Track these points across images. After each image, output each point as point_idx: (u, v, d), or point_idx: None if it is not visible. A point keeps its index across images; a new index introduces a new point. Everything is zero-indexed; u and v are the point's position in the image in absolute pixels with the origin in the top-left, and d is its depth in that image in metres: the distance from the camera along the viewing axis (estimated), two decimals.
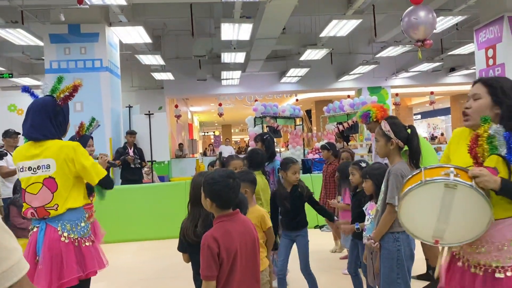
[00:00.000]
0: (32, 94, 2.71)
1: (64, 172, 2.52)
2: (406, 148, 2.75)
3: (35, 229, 2.55)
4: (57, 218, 2.52)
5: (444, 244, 1.90)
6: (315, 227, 6.92)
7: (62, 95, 2.62)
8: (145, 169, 9.66)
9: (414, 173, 1.90)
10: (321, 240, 5.90)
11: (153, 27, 12.12)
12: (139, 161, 7.61)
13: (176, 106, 16.10)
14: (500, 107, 1.89)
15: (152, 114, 8.58)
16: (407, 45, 11.17)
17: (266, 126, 11.58)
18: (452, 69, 14.84)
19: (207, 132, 38.14)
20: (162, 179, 12.17)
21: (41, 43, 8.43)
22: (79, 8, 7.02)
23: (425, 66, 13.56)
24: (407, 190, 1.84)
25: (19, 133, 6.28)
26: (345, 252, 5.37)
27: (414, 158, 2.67)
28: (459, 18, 8.65)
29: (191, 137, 22.88)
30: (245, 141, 33.66)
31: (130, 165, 7.49)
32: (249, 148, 5.40)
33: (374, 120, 4.14)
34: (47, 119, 2.56)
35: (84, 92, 7.90)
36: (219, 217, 2.05)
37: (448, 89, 17.86)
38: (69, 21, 7.70)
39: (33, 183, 2.52)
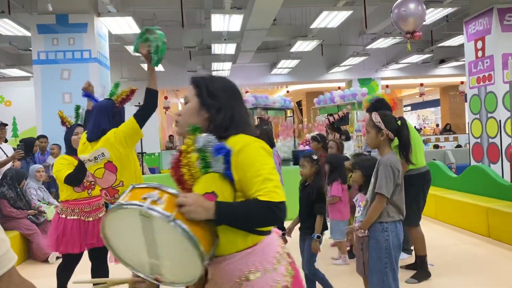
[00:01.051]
0: (93, 98, 3.20)
1: (116, 154, 2.84)
2: (396, 143, 2.78)
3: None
4: None
5: (167, 284, 1.43)
6: None
7: (119, 98, 2.98)
8: None
9: (125, 192, 1.41)
10: None
11: (143, 18, 11.98)
12: None
13: (166, 98, 16.01)
14: (207, 110, 1.53)
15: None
16: (397, 37, 11.19)
17: (257, 118, 11.57)
18: (442, 61, 14.92)
19: None
20: (152, 171, 12.12)
21: (28, 34, 8.29)
22: None
23: (415, 58, 13.61)
24: (106, 214, 1.39)
25: (6, 124, 6.23)
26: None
27: (404, 150, 2.70)
28: (449, 10, 8.68)
29: None
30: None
31: None
32: None
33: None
34: (106, 120, 2.92)
35: (73, 84, 7.82)
36: None
37: (437, 80, 17.97)
38: (57, 11, 7.57)
39: (97, 168, 2.90)
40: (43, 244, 5.17)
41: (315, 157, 3.38)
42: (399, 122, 2.70)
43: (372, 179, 2.71)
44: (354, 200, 3.25)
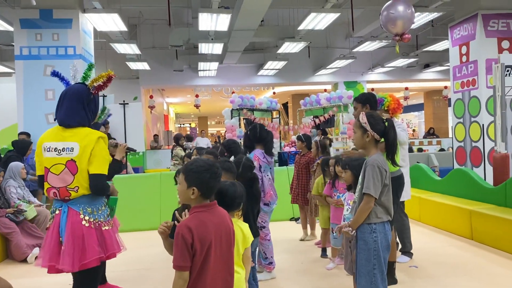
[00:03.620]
0: (63, 79, 2.85)
1: (84, 157, 2.61)
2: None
3: (57, 212, 2.66)
4: (78, 201, 2.65)
5: None
6: (291, 219, 6.96)
7: (95, 84, 2.74)
8: None
9: None
10: (296, 233, 5.93)
11: (129, 16, 11.86)
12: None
13: (151, 97, 15.85)
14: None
15: (127, 104, 8.40)
16: (383, 40, 11.29)
17: (243, 119, 11.54)
18: (427, 65, 15.10)
19: (183, 124, 37.79)
20: (136, 170, 11.98)
21: (11, 28, 8.12)
22: None
23: (401, 62, 13.75)
24: None
25: None
26: (318, 238, 5.44)
27: (390, 151, 2.69)
28: (434, 15, 8.78)
29: (166, 128, 22.60)
30: (221, 133, 33.52)
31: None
32: (227, 139, 5.37)
33: (386, 108, 4.15)
34: (80, 106, 2.69)
35: (56, 80, 7.67)
36: (196, 207, 2.00)
37: (422, 85, 18.19)
38: (40, 6, 7.41)
39: (57, 164, 2.62)
40: (22, 243, 5.05)
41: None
42: (386, 124, 2.69)
43: (360, 179, 2.69)
44: (342, 198, 3.24)
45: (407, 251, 4.62)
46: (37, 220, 5.48)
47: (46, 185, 2.67)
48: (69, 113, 2.68)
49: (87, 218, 2.63)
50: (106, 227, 2.73)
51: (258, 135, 4.10)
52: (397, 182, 3.98)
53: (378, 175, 2.58)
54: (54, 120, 2.81)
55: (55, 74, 2.90)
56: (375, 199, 2.59)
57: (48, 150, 2.66)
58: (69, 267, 2.55)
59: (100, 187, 2.68)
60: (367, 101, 4.18)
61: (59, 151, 2.63)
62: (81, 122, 2.70)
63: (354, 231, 2.67)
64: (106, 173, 2.71)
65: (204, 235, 1.93)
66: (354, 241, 2.78)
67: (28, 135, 7.03)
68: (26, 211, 5.32)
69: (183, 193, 2.01)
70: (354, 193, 3.33)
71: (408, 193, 4.38)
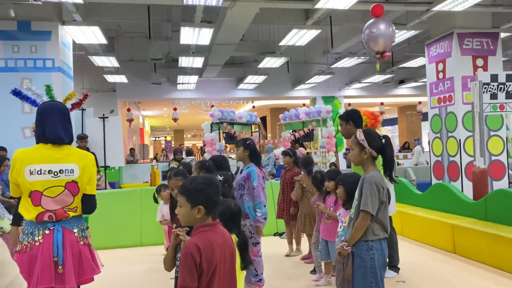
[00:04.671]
0: (27, 99, 2.73)
1: (85, 178, 2.61)
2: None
3: (47, 231, 2.53)
4: (72, 220, 2.61)
5: None
6: (275, 234, 6.92)
7: (68, 102, 2.64)
8: (97, 175, 9.26)
9: None
10: (281, 248, 5.90)
11: (107, 28, 11.70)
12: None
13: (129, 110, 15.64)
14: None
15: (107, 117, 8.24)
16: (361, 57, 11.52)
17: (223, 132, 11.49)
18: (402, 81, 15.49)
19: (158, 137, 37.36)
20: (112, 185, 11.72)
21: None
22: (30, 4, 6.63)
23: (377, 78, 14.06)
24: None
25: None
26: (303, 253, 5.43)
27: (388, 168, 2.72)
28: (412, 33, 9.03)
29: (142, 142, 22.29)
30: (197, 147, 33.28)
31: None
32: (214, 155, 5.32)
33: (365, 127, 4.20)
34: (66, 123, 2.64)
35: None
36: (201, 227, 1.96)
37: (396, 100, 18.63)
38: (18, 17, 7.24)
39: (53, 186, 2.53)
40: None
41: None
42: (383, 140, 2.72)
43: (357, 196, 2.70)
44: (337, 214, 3.24)
45: (394, 265, 4.66)
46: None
47: (37, 210, 2.52)
48: (64, 129, 2.64)
49: (80, 236, 2.63)
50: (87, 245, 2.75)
51: (255, 150, 4.17)
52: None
53: (375, 192, 2.59)
54: (39, 137, 2.63)
55: (16, 93, 2.78)
56: (372, 216, 2.60)
57: (38, 173, 2.52)
58: (74, 286, 2.53)
59: (94, 207, 2.72)
60: (350, 118, 4.29)
61: (56, 173, 2.54)
62: (71, 139, 2.69)
63: (350, 248, 2.66)
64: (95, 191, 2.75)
65: (211, 255, 1.88)
66: (347, 257, 2.77)
67: (4, 149, 6.78)
68: (2, 227, 5.10)
69: (187, 215, 1.96)
70: (347, 209, 3.35)
71: (393, 207, 4.43)
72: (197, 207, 1.93)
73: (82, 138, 7.46)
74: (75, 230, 2.61)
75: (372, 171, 2.69)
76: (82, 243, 2.62)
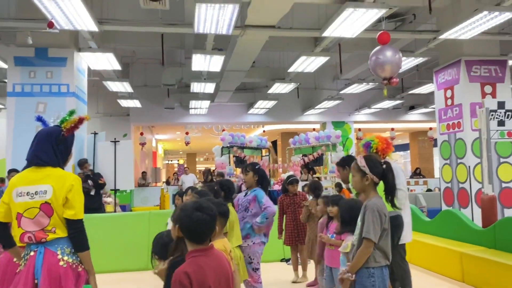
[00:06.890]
0: (44, 123, 2.87)
1: (59, 200, 2.59)
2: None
3: (32, 253, 2.57)
4: (56, 242, 2.59)
5: None
6: (281, 260, 6.88)
7: (68, 126, 2.76)
8: (109, 199, 9.38)
9: None
10: (287, 274, 5.86)
11: (122, 54, 12.05)
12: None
13: (142, 134, 15.88)
14: None
15: (118, 141, 8.41)
16: (370, 83, 11.63)
17: (233, 156, 11.59)
18: (412, 107, 15.50)
19: (171, 160, 37.61)
20: (123, 208, 11.81)
21: (4, 66, 8.18)
22: (48, 32, 6.90)
23: (387, 104, 14.11)
24: None
25: None
26: (310, 279, 5.38)
27: (390, 193, 2.74)
28: (420, 60, 9.12)
29: (154, 165, 22.46)
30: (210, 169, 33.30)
31: (89, 193, 7.37)
32: (221, 179, 5.39)
33: (374, 151, 4.23)
34: (49, 146, 2.67)
35: (48, 117, 7.68)
36: (193, 252, 1.99)
37: (407, 126, 18.59)
38: (36, 44, 7.53)
39: (30, 208, 2.57)
40: None
41: None
42: (384, 166, 2.75)
43: (359, 223, 2.72)
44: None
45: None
46: None
47: (19, 231, 2.57)
48: (37, 151, 2.66)
49: (65, 258, 2.57)
50: (80, 269, 2.66)
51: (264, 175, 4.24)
52: (393, 224, 3.99)
53: (378, 219, 2.61)
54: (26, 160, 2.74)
55: (39, 119, 2.92)
56: (374, 243, 2.62)
57: (20, 195, 2.59)
58: None
59: (78, 231, 2.62)
60: (346, 163, 4.34)
61: (32, 195, 2.58)
62: (48, 162, 2.65)
63: (353, 275, 2.67)
64: (82, 217, 2.67)
65: (203, 280, 1.91)
66: (353, 286, 2.76)
67: (17, 171, 6.95)
68: None
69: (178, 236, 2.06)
70: (341, 234, 3.37)
71: (409, 235, 4.38)
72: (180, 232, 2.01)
73: (81, 164, 7.66)
74: (58, 252, 2.57)
75: (374, 198, 2.72)
76: (65, 266, 2.56)
